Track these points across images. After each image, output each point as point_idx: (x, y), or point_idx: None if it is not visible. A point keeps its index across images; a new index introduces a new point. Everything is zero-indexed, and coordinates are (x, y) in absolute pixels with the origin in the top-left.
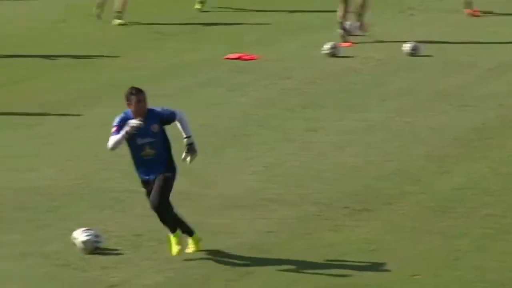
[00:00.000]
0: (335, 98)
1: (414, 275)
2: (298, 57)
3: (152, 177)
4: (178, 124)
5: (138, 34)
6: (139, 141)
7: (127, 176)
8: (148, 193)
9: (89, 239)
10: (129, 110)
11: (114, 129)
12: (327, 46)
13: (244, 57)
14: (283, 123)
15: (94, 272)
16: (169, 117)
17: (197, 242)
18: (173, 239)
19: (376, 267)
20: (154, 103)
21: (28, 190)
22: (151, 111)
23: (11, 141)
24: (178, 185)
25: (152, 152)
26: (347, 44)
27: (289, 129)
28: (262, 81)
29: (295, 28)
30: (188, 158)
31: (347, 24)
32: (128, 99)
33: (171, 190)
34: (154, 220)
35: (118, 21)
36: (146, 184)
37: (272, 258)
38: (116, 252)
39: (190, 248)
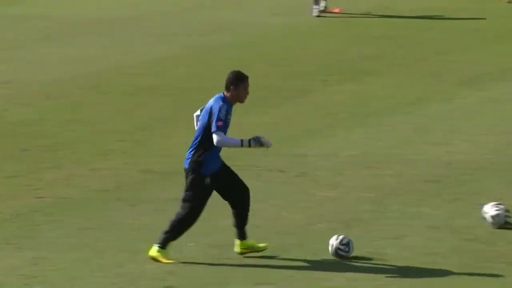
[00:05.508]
0: None
1: None
2: None
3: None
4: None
5: None
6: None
7: None
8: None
9: (500, 214)
10: (224, 97)
11: (220, 123)
12: None
13: None
14: None
15: (503, 247)
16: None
17: None
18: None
19: None
20: None
21: (440, 163)
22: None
23: (429, 113)
24: None
25: None
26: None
27: None
28: None
29: None
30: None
31: None
32: (239, 82)
33: None
34: None
35: None
36: (216, 175)
37: None
38: None
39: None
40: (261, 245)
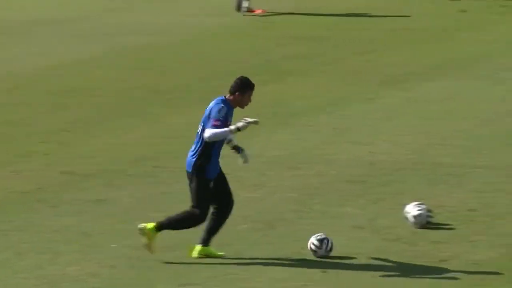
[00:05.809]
0: None
1: None
2: None
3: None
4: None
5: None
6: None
7: (465, 151)
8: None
9: (422, 214)
10: (225, 100)
11: (218, 122)
12: None
13: None
14: None
15: (424, 246)
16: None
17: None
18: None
19: None
20: None
21: (363, 164)
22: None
23: (352, 113)
24: None
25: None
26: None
27: None
28: None
29: None
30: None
31: None
32: (247, 89)
33: None
34: (489, 195)
35: None
36: (216, 180)
37: None
38: (448, 227)
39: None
40: (219, 253)
